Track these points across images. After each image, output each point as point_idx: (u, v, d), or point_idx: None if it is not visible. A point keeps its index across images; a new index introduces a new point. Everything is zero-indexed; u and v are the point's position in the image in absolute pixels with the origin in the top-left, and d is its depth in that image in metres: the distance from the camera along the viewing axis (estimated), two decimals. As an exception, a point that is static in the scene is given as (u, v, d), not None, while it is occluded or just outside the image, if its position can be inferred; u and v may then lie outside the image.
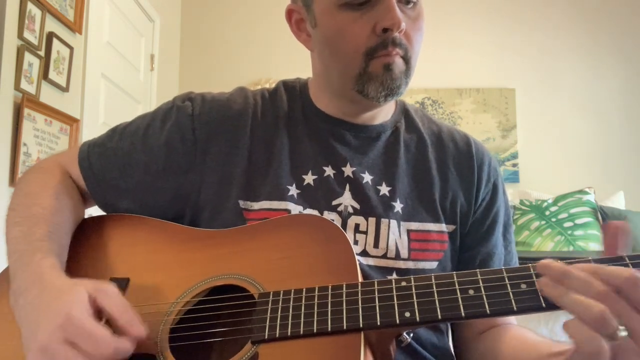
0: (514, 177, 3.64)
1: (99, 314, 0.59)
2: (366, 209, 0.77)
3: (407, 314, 0.55)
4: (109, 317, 0.58)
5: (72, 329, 0.55)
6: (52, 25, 2.23)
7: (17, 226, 0.71)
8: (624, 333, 0.48)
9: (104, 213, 0.84)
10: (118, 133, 0.84)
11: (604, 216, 2.97)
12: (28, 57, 2.02)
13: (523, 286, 0.54)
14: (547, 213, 2.96)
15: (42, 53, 2.13)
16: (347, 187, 0.79)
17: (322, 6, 0.76)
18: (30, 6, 2.04)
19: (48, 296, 0.59)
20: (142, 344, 0.59)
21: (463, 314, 0.54)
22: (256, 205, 0.76)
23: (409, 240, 0.77)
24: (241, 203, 0.76)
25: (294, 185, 0.78)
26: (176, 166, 0.79)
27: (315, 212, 0.76)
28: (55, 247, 0.69)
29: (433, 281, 0.57)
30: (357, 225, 0.77)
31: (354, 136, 0.82)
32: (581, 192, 3.03)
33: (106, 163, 0.81)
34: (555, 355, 0.61)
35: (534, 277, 0.54)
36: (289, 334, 0.56)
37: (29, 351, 0.56)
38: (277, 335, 0.57)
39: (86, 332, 0.54)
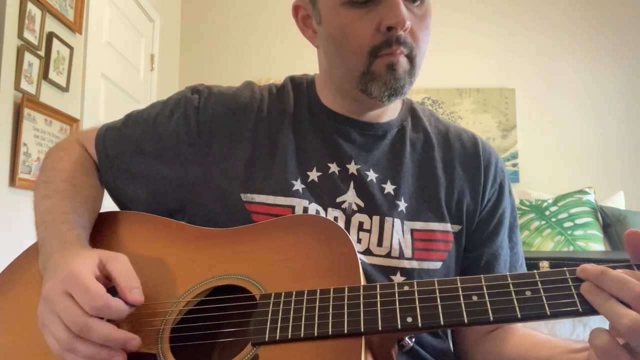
0: (514, 177, 3.64)
1: (107, 281, 0.62)
2: (370, 207, 0.77)
3: (409, 319, 0.54)
4: (113, 281, 0.61)
5: (71, 281, 0.58)
6: (52, 25, 2.22)
7: (48, 199, 0.76)
8: None
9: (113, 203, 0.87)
10: (132, 119, 0.86)
11: (604, 216, 2.96)
12: (28, 57, 2.02)
13: (528, 293, 0.53)
14: (547, 213, 2.96)
15: (42, 53, 2.13)
16: (352, 184, 0.78)
17: (327, 3, 0.76)
18: (30, 6, 2.03)
19: (66, 258, 0.63)
20: (143, 342, 0.59)
21: (466, 321, 0.53)
22: (258, 198, 0.76)
23: (413, 239, 0.77)
24: (243, 196, 0.76)
25: (298, 180, 0.77)
26: (182, 157, 0.80)
27: (319, 208, 0.76)
28: (81, 220, 0.73)
29: (436, 286, 0.56)
30: (360, 224, 0.76)
31: (359, 134, 0.82)
32: (581, 192, 3.03)
33: (119, 148, 0.84)
34: (578, 351, 0.61)
35: (539, 284, 0.54)
36: (289, 336, 0.56)
37: (41, 297, 0.61)
38: (278, 338, 0.57)
39: (82, 284, 0.58)
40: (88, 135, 0.88)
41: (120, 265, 0.63)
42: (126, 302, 0.60)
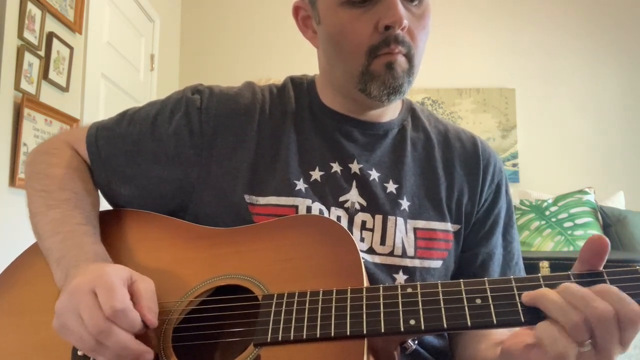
0: (514, 177, 3.64)
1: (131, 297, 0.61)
2: (373, 206, 0.77)
3: (412, 322, 0.54)
4: (135, 299, 0.61)
5: (99, 281, 0.59)
6: (52, 25, 2.22)
7: (53, 209, 0.74)
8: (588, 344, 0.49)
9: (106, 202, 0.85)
10: (127, 118, 0.84)
11: (604, 216, 2.97)
12: (28, 57, 2.02)
13: None
14: (547, 213, 2.96)
15: (42, 53, 2.12)
16: (354, 183, 0.78)
17: (326, 3, 0.76)
18: (30, 6, 2.03)
19: (101, 265, 0.64)
20: (145, 342, 0.59)
21: (469, 324, 0.53)
22: (262, 200, 0.75)
23: (416, 238, 0.77)
24: (247, 197, 0.76)
25: (301, 180, 0.77)
26: (183, 157, 0.79)
27: (322, 207, 0.76)
28: (95, 231, 0.74)
29: (440, 288, 0.56)
30: (363, 223, 0.76)
31: (361, 133, 0.82)
32: (581, 192, 3.03)
33: (114, 149, 0.81)
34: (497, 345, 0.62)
35: (543, 287, 0.53)
36: (291, 337, 0.56)
37: (64, 293, 0.60)
38: (280, 339, 0.56)
39: (108, 284, 0.59)
40: (77, 135, 0.84)
41: (147, 286, 0.63)
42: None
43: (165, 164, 0.80)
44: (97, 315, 0.57)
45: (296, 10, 0.84)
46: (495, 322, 0.52)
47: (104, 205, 0.84)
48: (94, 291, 0.58)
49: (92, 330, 0.56)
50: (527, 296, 0.53)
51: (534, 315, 0.52)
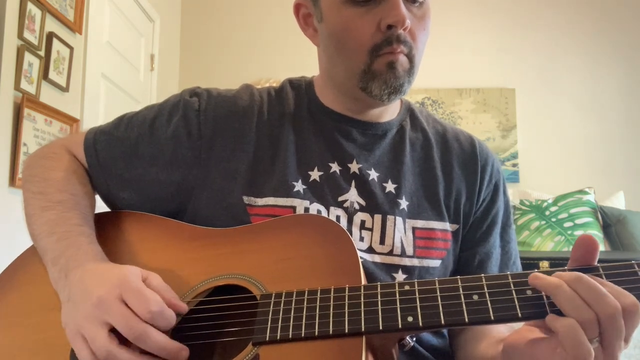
0: (514, 177, 3.64)
1: None
2: (372, 205, 0.78)
3: (410, 319, 0.54)
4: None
5: (126, 287, 0.60)
6: (52, 25, 2.23)
7: (48, 210, 0.74)
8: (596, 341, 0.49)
9: (104, 205, 0.84)
10: (125, 122, 0.84)
11: (604, 216, 2.97)
12: (28, 57, 2.02)
13: (529, 292, 0.53)
14: (547, 213, 2.96)
15: (42, 53, 2.13)
16: (353, 183, 0.79)
17: (329, 1, 0.76)
18: (30, 6, 2.04)
19: (105, 269, 0.64)
20: None
21: (467, 320, 0.53)
22: (260, 201, 0.76)
23: (414, 237, 0.77)
24: (245, 199, 0.76)
25: (299, 181, 0.77)
26: (181, 160, 0.79)
27: (321, 208, 0.76)
28: (91, 231, 0.74)
29: (437, 285, 0.56)
30: (362, 222, 0.77)
31: (360, 133, 0.82)
32: (581, 192, 3.03)
33: (112, 152, 0.82)
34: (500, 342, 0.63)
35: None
36: (290, 336, 0.56)
37: (86, 303, 0.60)
38: (278, 338, 0.57)
39: (138, 290, 0.59)
40: (75, 140, 0.84)
41: (158, 279, 0.64)
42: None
43: (163, 167, 0.80)
44: (133, 321, 0.57)
45: (297, 7, 0.84)
46: (492, 317, 0.53)
47: (101, 208, 0.84)
48: (121, 299, 0.59)
49: (130, 334, 0.57)
50: (537, 279, 0.52)
51: (531, 310, 0.52)
